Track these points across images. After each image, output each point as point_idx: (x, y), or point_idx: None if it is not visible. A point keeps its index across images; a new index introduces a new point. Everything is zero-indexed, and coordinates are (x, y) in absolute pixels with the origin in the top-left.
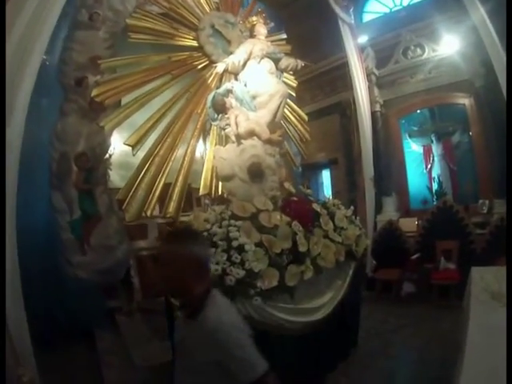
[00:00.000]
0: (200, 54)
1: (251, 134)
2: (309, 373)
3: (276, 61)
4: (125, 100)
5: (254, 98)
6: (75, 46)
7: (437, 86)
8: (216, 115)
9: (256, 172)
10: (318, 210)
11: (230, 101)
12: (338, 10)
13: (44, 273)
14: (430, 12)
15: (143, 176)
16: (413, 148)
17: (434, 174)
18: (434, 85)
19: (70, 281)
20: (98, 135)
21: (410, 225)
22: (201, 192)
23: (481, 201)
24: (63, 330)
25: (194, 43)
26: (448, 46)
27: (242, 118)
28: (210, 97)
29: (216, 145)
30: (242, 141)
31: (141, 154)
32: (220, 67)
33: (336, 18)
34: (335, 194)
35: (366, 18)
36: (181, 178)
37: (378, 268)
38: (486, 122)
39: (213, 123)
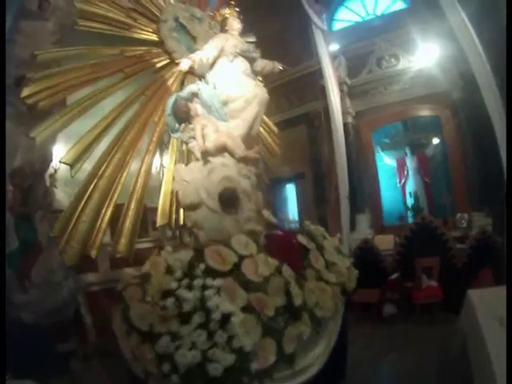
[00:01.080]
0: (160, 50)
1: (222, 149)
2: None
3: (251, 61)
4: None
5: (225, 103)
6: (19, 38)
7: (411, 98)
8: (177, 125)
9: (230, 200)
10: (305, 243)
11: (196, 107)
12: (312, 14)
13: None
14: (405, 21)
15: (84, 205)
16: (385, 161)
17: (409, 187)
18: (408, 96)
19: (13, 324)
20: (39, 147)
21: (386, 242)
22: (158, 222)
23: (459, 214)
24: None
25: (154, 37)
26: (425, 56)
27: (210, 130)
28: (171, 101)
29: (176, 162)
30: (210, 158)
31: (87, 169)
32: (184, 64)
33: (307, 24)
34: (302, 210)
35: (336, 26)
36: (133, 206)
37: (355, 289)
38: (463, 134)
39: (173, 135)
